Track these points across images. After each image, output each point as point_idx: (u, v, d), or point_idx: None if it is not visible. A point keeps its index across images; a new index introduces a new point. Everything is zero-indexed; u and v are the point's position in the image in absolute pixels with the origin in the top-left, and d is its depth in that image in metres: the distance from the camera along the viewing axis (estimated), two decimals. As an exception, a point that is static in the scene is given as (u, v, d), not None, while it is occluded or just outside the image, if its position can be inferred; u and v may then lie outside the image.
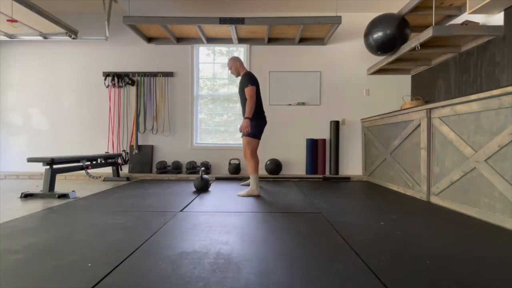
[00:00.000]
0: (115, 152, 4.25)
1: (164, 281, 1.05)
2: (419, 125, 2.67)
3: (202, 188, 3.00)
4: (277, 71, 4.22)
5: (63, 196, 2.63)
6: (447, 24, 2.98)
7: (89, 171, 3.17)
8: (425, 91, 3.76)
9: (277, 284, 1.04)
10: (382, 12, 4.11)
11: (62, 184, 3.57)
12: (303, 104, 4.21)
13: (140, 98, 4.26)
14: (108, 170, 4.18)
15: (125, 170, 4.22)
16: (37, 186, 3.30)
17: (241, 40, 4.20)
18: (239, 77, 2.92)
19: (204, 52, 4.42)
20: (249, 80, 2.74)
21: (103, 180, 3.81)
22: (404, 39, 3.26)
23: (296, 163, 4.22)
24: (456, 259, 1.27)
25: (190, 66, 4.29)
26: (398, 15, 3.27)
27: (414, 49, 3.04)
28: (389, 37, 3.25)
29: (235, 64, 2.90)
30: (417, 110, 2.68)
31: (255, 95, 2.72)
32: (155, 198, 2.60)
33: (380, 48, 3.39)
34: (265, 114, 2.89)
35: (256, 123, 2.77)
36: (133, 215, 1.99)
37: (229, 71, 2.97)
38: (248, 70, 2.89)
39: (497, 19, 2.69)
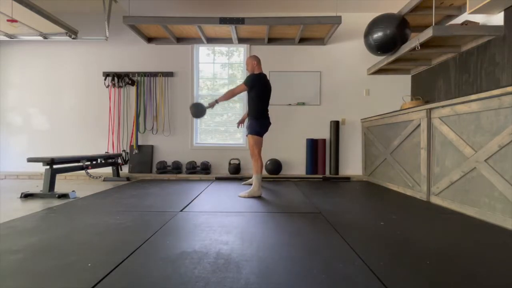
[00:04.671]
0: (115, 152, 4.25)
1: (164, 281, 1.05)
2: (419, 125, 2.67)
3: (198, 113, 2.90)
4: (277, 71, 4.22)
5: (63, 196, 2.63)
6: (447, 24, 2.98)
7: (89, 171, 3.16)
8: (425, 91, 3.76)
9: (277, 284, 1.04)
10: (382, 12, 4.10)
11: (62, 184, 3.57)
12: (303, 104, 4.21)
13: (140, 98, 4.26)
14: (108, 170, 4.17)
15: (125, 170, 4.22)
16: (37, 186, 3.30)
17: (241, 40, 4.20)
18: None
19: (204, 52, 4.42)
20: (248, 79, 2.76)
21: (103, 180, 3.81)
22: (404, 39, 3.26)
23: (296, 163, 4.22)
24: (456, 259, 1.27)
25: (190, 66, 4.29)
26: (398, 15, 3.27)
27: (414, 49, 3.04)
28: (389, 37, 3.25)
29: (252, 63, 2.88)
30: (417, 110, 2.68)
31: (236, 93, 2.78)
32: (155, 198, 2.60)
33: (380, 48, 3.39)
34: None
35: (260, 122, 2.82)
36: (133, 215, 1.99)
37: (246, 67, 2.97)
38: (259, 71, 2.89)
39: (497, 19, 2.69)
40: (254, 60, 2.89)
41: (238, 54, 4.41)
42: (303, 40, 4.18)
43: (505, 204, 1.77)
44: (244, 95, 4.26)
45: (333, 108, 4.21)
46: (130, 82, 4.21)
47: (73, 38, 3.42)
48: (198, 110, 2.89)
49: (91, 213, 2.05)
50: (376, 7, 4.00)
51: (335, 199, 2.59)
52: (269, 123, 2.91)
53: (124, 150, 4.24)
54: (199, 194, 2.81)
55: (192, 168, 4.07)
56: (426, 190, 2.56)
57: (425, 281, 1.07)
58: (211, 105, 2.89)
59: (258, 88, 2.79)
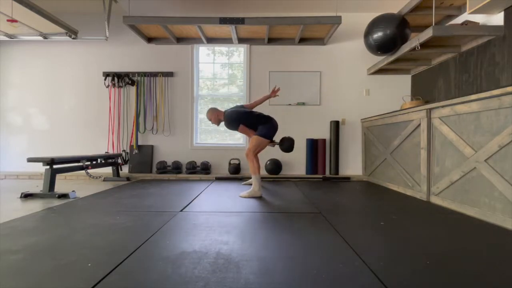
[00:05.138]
0: (115, 152, 4.25)
1: (164, 281, 1.05)
2: (419, 125, 2.67)
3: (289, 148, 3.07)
4: (277, 71, 4.22)
5: (63, 196, 2.63)
6: (447, 24, 2.98)
7: (89, 171, 3.16)
8: (425, 91, 3.76)
9: (277, 284, 1.04)
10: (382, 12, 4.11)
11: (62, 184, 3.57)
12: (303, 104, 4.21)
13: (140, 98, 4.26)
14: (108, 170, 4.18)
15: (125, 170, 4.22)
16: (37, 186, 3.30)
17: (241, 40, 4.20)
18: (218, 122, 3.02)
19: (204, 52, 4.42)
20: (233, 121, 2.83)
21: (103, 180, 3.81)
22: (404, 39, 3.26)
23: (296, 163, 4.22)
24: (456, 259, 1.27)
25: (190, 66, 4.29)
26: (398, 15, 3.27)
27: (414, 49, 3.04)
28: (389, 37, 3.25)
29: (214, 115, 2.97)
30: (417, 110, 2.68)
31: (248, 129, 2.86)
32: (155, 198, 2.60)
33: (380, 48, 3.39)
34: (267, 114, 2.94)
35: (267, 125, 2.84)
36: (133, 215, 1.99)
37: (210, 121, 3.05)
38: (222, 113, 2.99)
39: (497, 19, 2.69)
40: (214, 112, 2.97)
41: (238, 54, 4.41)
42: (303, 40, 4.18)
43: (505, 204, 1.77)
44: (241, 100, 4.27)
45: (333, 108, 4.21)
46: (130, 82, 4.21)
47: (73, 38, 3.42)
48: (292, 144, 3.07)
49: (91, 213, 2.05)
50: (376, 7, 4.00)
51: (335, 199, 2.59)
52: (276, 124, 2.92)
53: (124, 150, 4.24)
54: (199, 194, 2.81)
55: (192, 168, 4.07)
56: (426, 190, 2.56)
57: (425, 281, 1.07)
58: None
59: (242, 120, 2.83)
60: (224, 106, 4.34)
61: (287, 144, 3.05)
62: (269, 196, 2.74)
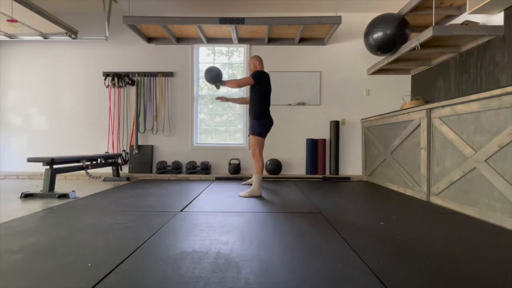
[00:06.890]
0: (115, 152, 4.25)
1: (164, 281, 1.05)
2: (419, 125, 2.67)
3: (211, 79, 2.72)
4: (277, 71, 4.22)
5: (63, 196, 2.63)
6: (447, 24, 2.98)
7: (89, 171, 3.16)
8: (425, 91, 3.76)
9: (277, 284, 1.04)
10: (382, 12, 4.10)
11: (62, 184, 3.57)
12: (303, 104, 4.21)
13: (140, 98, 4.26)
14: (108, 170, 4.17)
15: (125, 170, 4.22)
16: (37, 186, 3.30)
17: (241, 40, 4.20)
18: None
19: (204, 52, 4.42)
20: (256, 73, 2.75)
21: (103, 180, 3.81)
22: (404, 39, 3.26)
23: (296, 163, 4.22)
24: (456, 259, 1.27)
25: (190, 66, 4.29)
26: (398, 15, 3.27)
27: (414, 49, 3.04)
28: (389, 37, 3.25)
29: (254, 62, 2.93)
30: (417, 110, 2.68)
31: (242, 84, 2.73)
32: (155, 198, 2.60)
33: (380, 48, 3.39)
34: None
35: (262, 122, 2.80)
36: (133, 215, 1.99)
37: (249, 67, 3.00)
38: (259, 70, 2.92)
39: (497, 19, 2.69)
40: (256, 60, 2.92)
41: (238, 54, 4.41)
42: (303, 40, 4.18)
43: (505, 204, 1.77)
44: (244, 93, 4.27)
45: (333, 108, 4.21)
46: (130, 82, 4.21)
47: (73, 38, 3.42)
48: (213, 76, 2.68)
49: (91, 213, 2.05)
50: (376, 7, 4.00)
51: (335, 199, 2.59)
52: (272, 123, 2.89)
53: (124, 150, 4.24)
54: (199, 194, 2.81)
55: (192, 168, 4.07)
56: (426, 190, 2.56)
57: (425, 281, 1.07)
58: (222, 84, 2.76)
59: (264, 85, 2.79)
60: (224, 106, 4.34)
61: (209, 77, 2.73)
62: (269, 196, 2.74)
